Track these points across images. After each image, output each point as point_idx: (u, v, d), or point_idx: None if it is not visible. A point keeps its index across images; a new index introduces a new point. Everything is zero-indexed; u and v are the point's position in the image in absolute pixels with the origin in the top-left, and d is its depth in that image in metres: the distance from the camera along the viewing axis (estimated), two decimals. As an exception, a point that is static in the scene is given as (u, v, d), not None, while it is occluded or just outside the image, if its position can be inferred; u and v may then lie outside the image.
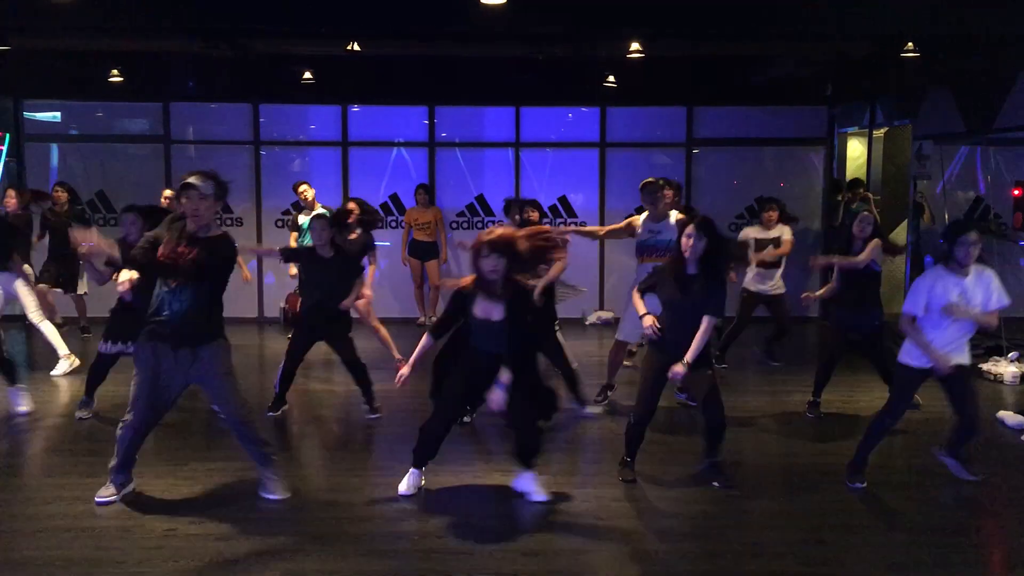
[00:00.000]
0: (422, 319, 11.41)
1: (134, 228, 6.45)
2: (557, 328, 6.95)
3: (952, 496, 5.42)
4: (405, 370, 5.25)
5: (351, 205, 8.42)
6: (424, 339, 5.28)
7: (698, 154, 11.95)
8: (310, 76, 10.89)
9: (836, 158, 12.08)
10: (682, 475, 5.68)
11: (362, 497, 5.30)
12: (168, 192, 9.51)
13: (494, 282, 5.07)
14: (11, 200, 8.87)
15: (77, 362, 8.44)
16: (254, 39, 9.49)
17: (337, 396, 7.74)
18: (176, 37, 9.36)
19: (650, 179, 7.20)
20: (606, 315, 11.64)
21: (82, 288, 9.99)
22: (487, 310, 5.07)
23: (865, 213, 7.11)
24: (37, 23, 8.28)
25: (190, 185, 4.79)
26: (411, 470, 5.35)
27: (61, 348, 8.44)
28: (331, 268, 6.87)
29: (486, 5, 7.03)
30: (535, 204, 8.49)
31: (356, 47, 9.03)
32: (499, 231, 5.12)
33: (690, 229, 5.22)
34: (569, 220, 11.89)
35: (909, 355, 5.34)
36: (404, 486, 5.29)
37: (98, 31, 8.90)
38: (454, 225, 11.76)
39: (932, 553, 4.59)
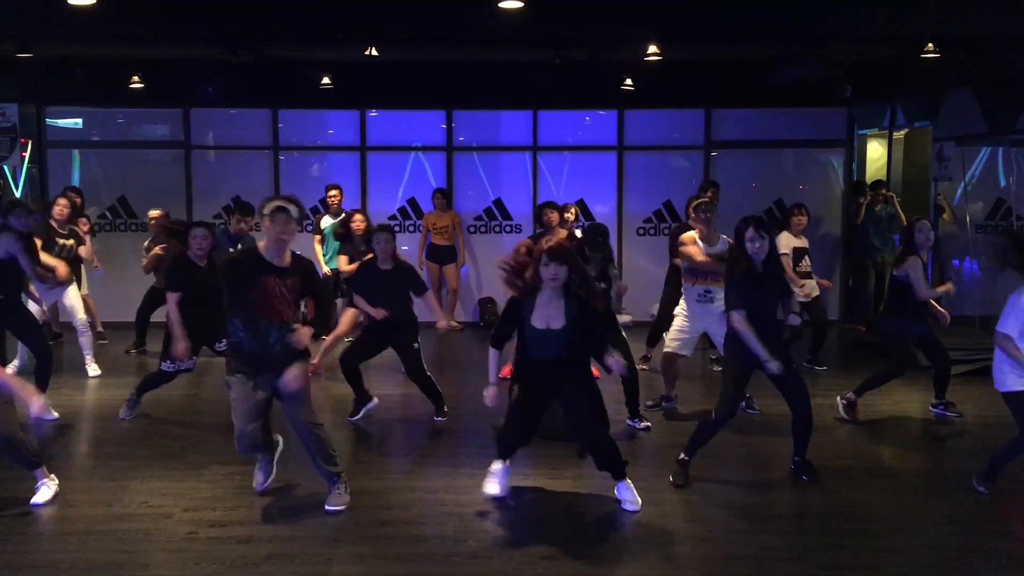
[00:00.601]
0: (442, 323, 11.40)
1: (206, 243, 6.57)
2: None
3: (981, 504, 5.34)
4: (492, 391, 5.10)
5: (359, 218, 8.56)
6: (491, 353, 5.15)
7: (716, 156, 11.91)
8: (328, 81, 10.95)
9: (856, 160, 12.01)
10: (701, 479, 5.64)
11: (383, 501, 5.31)
12: (155, 212, 9.32)
13: (555, 289, 4.94)
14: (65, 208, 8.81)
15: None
16: (274, 45, 9.54)
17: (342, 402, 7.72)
18: (197, 44, 9.42)
19: (704, 199, 7.09)
20: (624, 318, 11.54)
21: (84, 289, 9.86)
22: (547, 319, 4.96)
23: (925, 222, 6.97)
24: (59, 30, 8.37)
25: (282, 209, 4.89)
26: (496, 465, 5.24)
27: (90, 354, 8.61)
28: (392, 280, 6.85)
29: (504, 9, 7.04)
30: (553, 206, 8.46)
31: (374, 52, 9.06)
32: (559, 240, 5.06)
33: (751, 232, 5.35)
34: (587, 223, 11.87)
35: (1017, 380, 5.18)
36: (493, 486, 5.20)
37: (119, 38, 8.99)
38: (471, 229, 11.78)
39: (957, 561, 4.55)
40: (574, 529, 4.92)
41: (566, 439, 5.87)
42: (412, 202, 11.89)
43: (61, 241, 8.62)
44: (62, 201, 8.85)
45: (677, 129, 11.97)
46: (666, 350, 7.16)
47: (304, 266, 5.13)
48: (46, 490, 5.19)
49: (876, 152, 12.51)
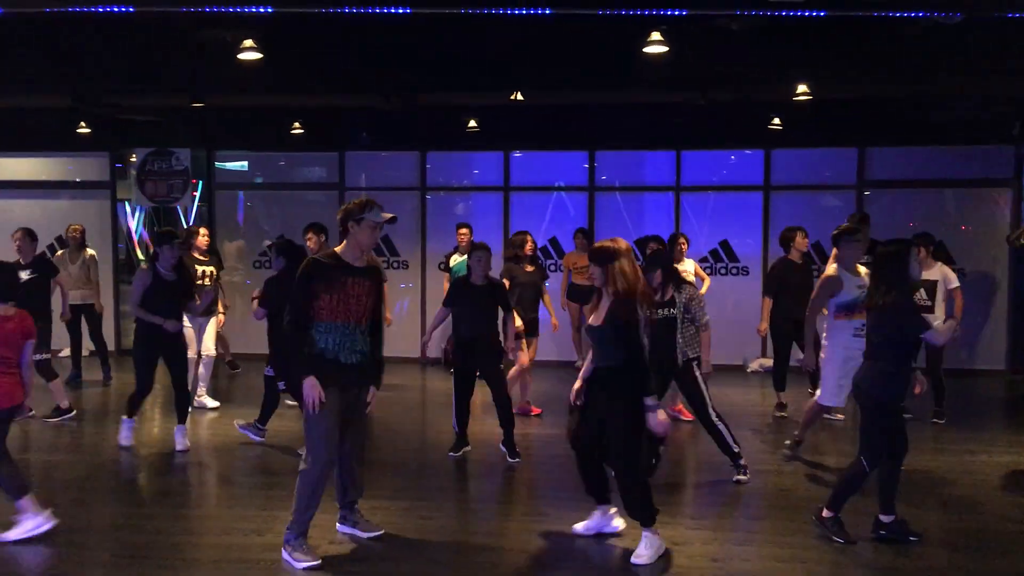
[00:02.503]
0: (580, 363, 11.41)
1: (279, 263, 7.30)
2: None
3: None
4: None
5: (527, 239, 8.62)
6: None
7: (870, 196, 11.45)
8: (475, 124, 11.26)
9: (1025, 200, 11.27)
10: (854, 533, 5.35)
11: (519, 543, 5.30)
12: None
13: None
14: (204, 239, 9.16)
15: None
16: (424, 92, 9.91)
17: (489, 437, 7.78)
18: (352, 92, 9.91)
19: (848, 225, 6.76)
20: (768, 363, 11.25)
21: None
22: (594, 316, 5.01)
23: None
24: (228, 83, 8.99)
25: (386, 222, 4.95)
26: (646, 534, 4.98)
27: (206, 386, 8.96)
28: (480, 296, 7.00)
29: (649, 54, 7.05)
30: (657, 239, 8.36)
31: (519, 96, 9.26)
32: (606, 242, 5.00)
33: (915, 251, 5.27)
34: (730, 264, 11.64)
35: None
36: (646, 556, 4.92)
37: (282, 89, 9.55)
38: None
39: None
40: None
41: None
42: (554, 241, 11.99)
43: (200, 268, 8.89)
44: (203, 231, 9.14)
45: (828, 168, 11.60)
46: (822, 402, 6.72)
47: (376, 267, 5.14)
48: (29, 523, 5.21)
49: (1048, 191, 11.70)
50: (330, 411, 4.86)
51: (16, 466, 5.32)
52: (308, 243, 8.54)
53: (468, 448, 7.22)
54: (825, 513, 5.33)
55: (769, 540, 5.37)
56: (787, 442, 7.06)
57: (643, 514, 4.95)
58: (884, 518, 5.27)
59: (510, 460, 6.97)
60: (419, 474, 6.73)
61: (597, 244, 5.08)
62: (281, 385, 7.35)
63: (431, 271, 12.10)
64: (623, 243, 4.98)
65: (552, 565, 5.03)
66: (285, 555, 4.92)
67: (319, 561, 4.88)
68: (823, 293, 6.56)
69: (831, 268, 6.63)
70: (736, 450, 6.46)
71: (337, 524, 5.36)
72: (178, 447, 7.29)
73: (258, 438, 7.52)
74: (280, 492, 6.21)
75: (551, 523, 5.61)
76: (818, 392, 6.79)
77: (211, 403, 8.95)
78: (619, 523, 5.32)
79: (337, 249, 4.98)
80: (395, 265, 12.16)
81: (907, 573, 4.92)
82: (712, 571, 4.88)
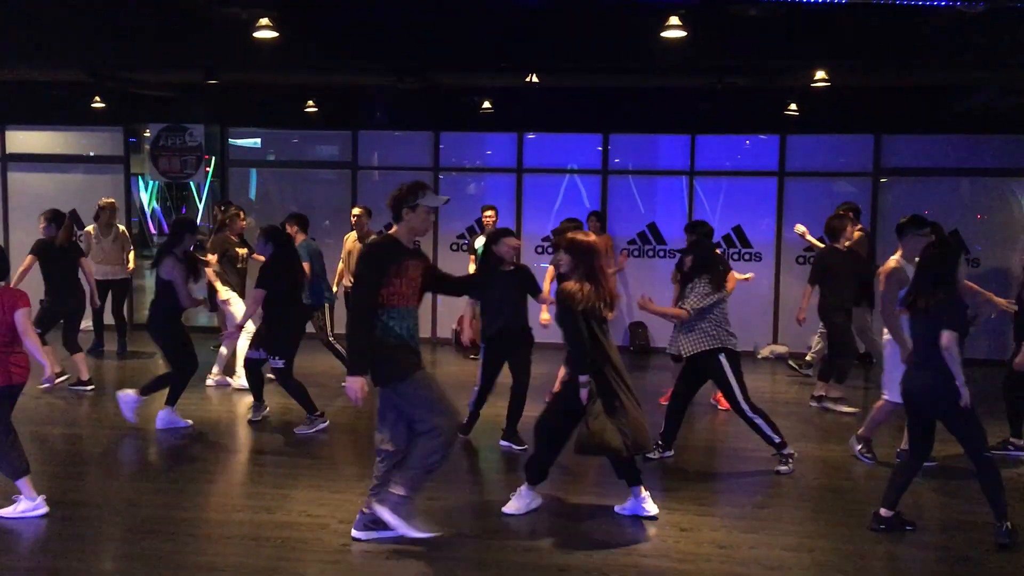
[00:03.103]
0: (590, 346, 11.42)
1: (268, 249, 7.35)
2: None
3: None
4: None
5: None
6: None
7: (886, 183, 11.37)
8: (489, 106, 11.21)
9: (1043, 190, 11.18)
10: (861, 527, 5.37)
11: (529, 526, 5.34)
12: (357, 210, 9.70)
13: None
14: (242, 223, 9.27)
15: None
16: (439, 72, 9.88)
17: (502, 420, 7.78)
18: (367, 71, 9.88)
19: (915, 216, 6.43)
20: (780, 349, 11.25)
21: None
22: None
23: None
24: (243, 60, 8.98)
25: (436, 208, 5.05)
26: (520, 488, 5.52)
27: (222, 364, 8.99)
28: (512, 282, 6.88)
29: (667, 38, 7.00)
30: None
31: (535, 79, 9.21)
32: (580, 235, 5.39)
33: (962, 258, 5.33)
34: (743, 250, 11.60)
35: None
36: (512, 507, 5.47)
37: (297, 67, 9.54)
38: (624, 253, 11.72)
39: None
40: (723, 574, 4.77)
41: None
42: (566, 224, 11.95)
43: (241, 251, 9.06)
44: (243, 214, 9.27)
45: (843, 155, 11.51)
46: (887, 398, 6.39)
47: (422, 252, 5.23)
48: (22, 505, 5.23)
49: (1068, 182, 11.60)
50: (429, 379, 4.92)
51: (18, 446, 5.25)
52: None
53: (476, 421, 7.15)
54: (1006, 527, 5.07)
55: (777, 528, 5.38)
56: (859, 447, 6.72)
57: (527, 471, 5.53)
58: (885, 513, 5.26)
59: (516, 449, 6.88)
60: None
61: (570, 234, 5.43)
62: (280, 362, 7.22)
63: (443, 251, 12.10)
64: (593, 238, 5.41)
65: (559, 547, 5.05)
66: (386, 516, 4.86)
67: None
68: (892, 287, 6.17)
69: (893, 260, 6.34)
70: (777, 440, 6.34)
71: (359, 531, 5.03)
72: (125, 412, 7.14)
73: (258, 416, 7.54)
74: (293, 471, 6.26)
75: (559, 506, 5.65)
76: (884, 393, 6.49)
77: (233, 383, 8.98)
78: (652, 508, 5.40)
79: (391, 233, 4.98)
80: (407, 245, 12.16)
81: (912, 563, 4.95)
82: (719, 558, 4.91)
